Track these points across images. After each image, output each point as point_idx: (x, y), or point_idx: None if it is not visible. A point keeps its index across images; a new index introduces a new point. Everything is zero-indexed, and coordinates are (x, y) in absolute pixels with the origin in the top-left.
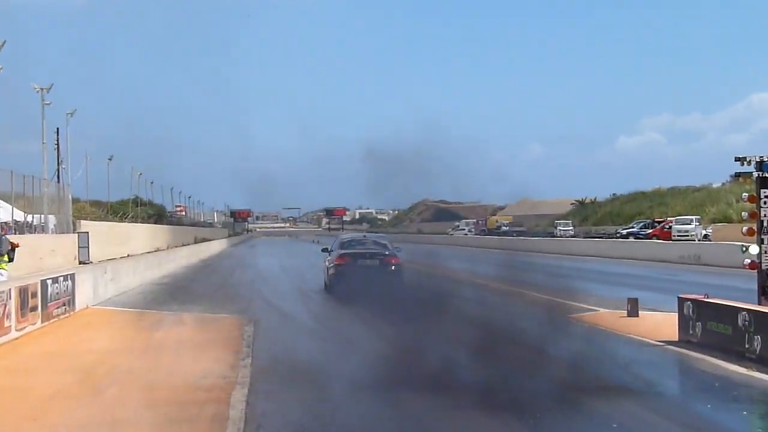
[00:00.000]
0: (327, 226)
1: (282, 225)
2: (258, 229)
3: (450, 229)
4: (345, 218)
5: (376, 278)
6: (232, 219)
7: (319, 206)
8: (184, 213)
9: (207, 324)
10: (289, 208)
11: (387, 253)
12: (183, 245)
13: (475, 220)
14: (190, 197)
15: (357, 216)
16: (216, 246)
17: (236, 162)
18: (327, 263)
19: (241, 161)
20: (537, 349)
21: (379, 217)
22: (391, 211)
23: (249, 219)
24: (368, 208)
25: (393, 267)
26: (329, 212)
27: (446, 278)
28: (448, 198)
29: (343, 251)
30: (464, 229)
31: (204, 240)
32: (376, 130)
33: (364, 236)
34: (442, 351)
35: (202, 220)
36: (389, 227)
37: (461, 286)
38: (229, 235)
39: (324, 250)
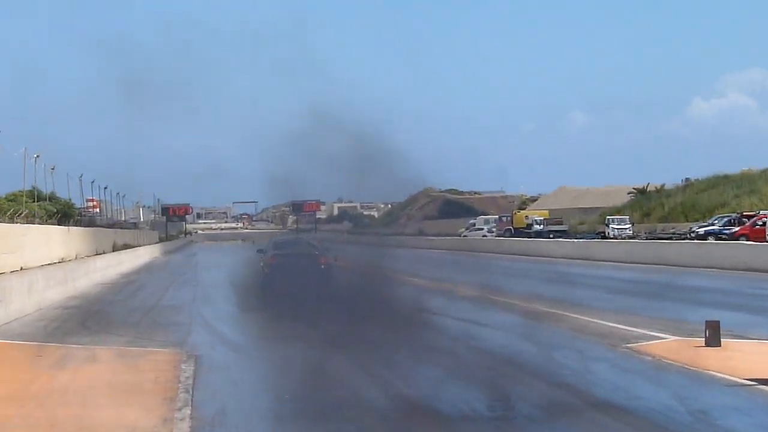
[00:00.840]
0: (294, 225)
1: (232, 225)
2: (200, 231)
3: (463, 229)
4: (319, 215)
5: (306, 276)
6: (165, 218)
7: (283, 199)
8: (98, 210)
9: (130, 361)
10: (242, 203)
11: (317, 253)
12: (98, 254)
13: (497, 217)
14: (106, 188)
15: (336, 212)
16: (143, 255)
17: (168, 140)
18: (262, 263)
19: (174, 138)
20: (578, 392)
21: (365, 212)
22: (382, 205)
23: (188, 217)
24: (351, 201)
25: (322, 266)
26: (297, 207)
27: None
28: (461, 186)
29: (275, 251)
30: (482, 228)
31: (126, 246)
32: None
33: (297, 238)
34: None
35: (123, 219)
36: (380, 226)
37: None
38: (161, 240)
39: (259, 251)
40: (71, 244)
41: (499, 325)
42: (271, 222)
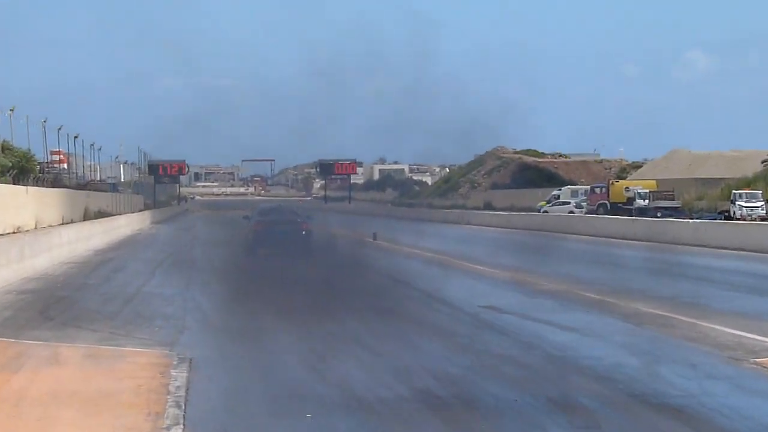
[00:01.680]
0: (322, 192)
1: (240, 190)
2: (198, 197)
3: (543, 203)
4: (355, 178)
5: (288, 240)
6: (152, 178)
7: (308, 157)
8: (65, 166)
9: (105, 364)
10: (254, 161)
11: (299, 220)
12: (65, 223)
13: (587, 188)
14: (77, 138)
15: (376, 175)
16: (124, 225)
17: (159, 78)
18: (247, 229)
19: (167, 76)
20: (692, 421)
21: (415, 177)
22: (437, 168)
23: (182, 178)
24: (397, 162)
25: (303, 232)
26: (326, 168)
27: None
28: (541, 145)
29: (260, 218)
30: (569, 203)
31: (102, 214)
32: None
33: (279, 205)
34: None
35: (98, 178)
36: (434, 195)
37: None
38: (147, 207)
39: (245, 217)
40: (29, 208)
41: (590, 330)
42: (292, 187)
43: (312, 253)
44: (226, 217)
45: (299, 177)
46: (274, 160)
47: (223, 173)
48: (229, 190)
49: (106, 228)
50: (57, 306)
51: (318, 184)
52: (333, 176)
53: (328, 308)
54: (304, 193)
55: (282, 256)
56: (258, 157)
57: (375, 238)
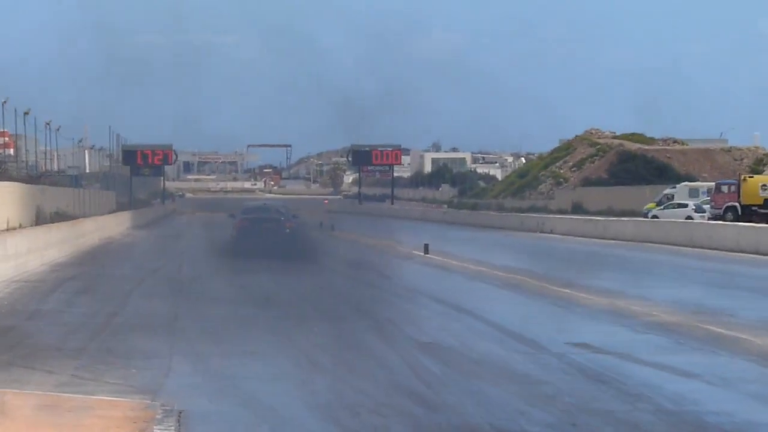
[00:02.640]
0: (355, 189)
1: (246, 186)
2: (189, 195)
3: (652, 205)
4: (401, 170)
5: (272, 238)
6: (128, 169)
7: (338, 143)
8: (11, 151)
9: (65, 417)
10: (264, 146)
11: (283, 218)
12: (9, 228)
13: (712, 185)
14: (27, 114)
15: (428, 166)
16: (90, 232)
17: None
18: (232, 227)
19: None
20: None
21: (480, 170)
22: (509, 158)
23: (168, 169)
24: (455, 149)
25: (287, 230)
26: (360, 157)
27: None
28: (649, 129)
29: (244, 216)
30: (686, 205)
31: (61, 217)
32: None
33: (264, 204)
34: None
35: (56, 169)
36: (504, 195)
37: None
38: (120, 207)
39: (231, 215)
40: None
41: (716, 377)
42: (314, 181)
43: (304, 258)
44: (224, 222)
45: (324, 168)
46: (290, 146)
47: (223, 163)
48: (230, 185)
49: (67, 235)
50: (0, 340)
51: (350, 178)
52: (369, 168)
53: (358, 340)
54: (330, 189)
55: (264, 259)
56: (269, 142)
57: (426, 251)
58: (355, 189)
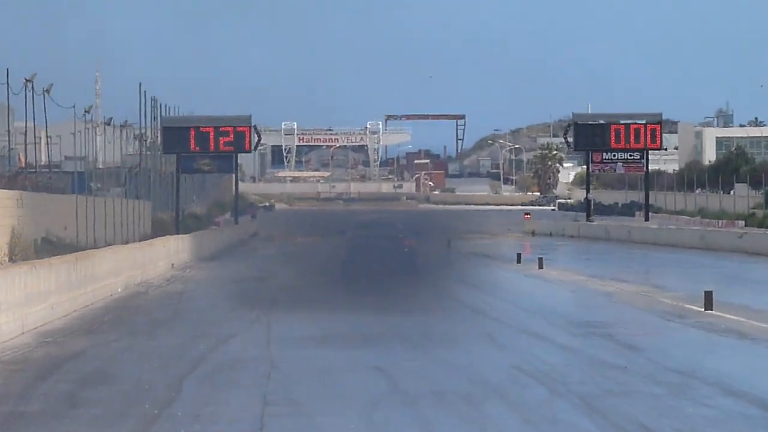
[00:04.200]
0: (578, 196)
1: (386, 186)
2: (281, 205)
3: None
4: (657, 156)
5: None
6: (176, 160)
7: (543, 114)
8: None
9: None
10: (413, 118)
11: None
12: None
13: None
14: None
15: (710, 149)
16: (108, 276)
17: None
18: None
19: None
20: None
21: None
22: None
23: (244, 156)
24: (759, 122)
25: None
26: (587, 134)
27: None
28: None
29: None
30: None
31: (53, 245)
32: None
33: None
34: None
35: (44, 161)
36: None
37: None
38: (159, 227)
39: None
40: None
41: None
42: (507, 179)
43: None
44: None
45: (523, 156)
46: (464, 117)
47: (341, 148)
48: (355, 187)
49: (67, 279)
50: None
51: (570, 174)
52: (605, 155)
53: None
54: (536, 193)
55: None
56: (421, 112)
57: (709, 304)
58: (577, 193)
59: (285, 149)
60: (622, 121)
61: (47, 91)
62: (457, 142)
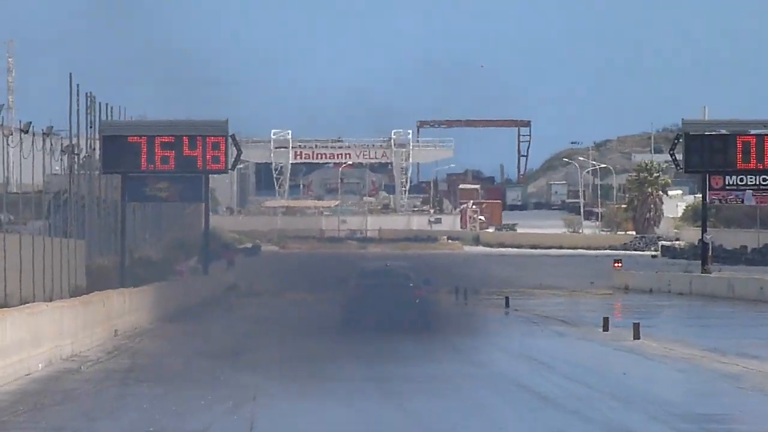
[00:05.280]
0: (691, 235)
1: (416, 220)
2: (270, 247)
3: None
4: None
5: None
6: (121, 183)
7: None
8: None
9: None
10: (455, 124)
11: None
12: None
13: None
14: None
15: None
16: (19, 347)
17: None
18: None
19: None
20: None
21: None
22: None
23: (219, 178)
24: None
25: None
26: (703, 147)
27: None
28: None
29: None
30: None
31: None
32: None
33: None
34: None
35: None
36: None
37: None
38: (94, 280)
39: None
40: None
41: None
42: (592, 212)
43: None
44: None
45: (616, 177)
46: (528, 124)
47: (350, 167)
48: (372, 221)
49: None
50: None
51: (679, 206)
52: (726, 173)
53: None
54: (631, 232)
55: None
56: (464, 117)
57: None
58: (689, 233)
59: (276, 168)
60: (753, 131)
61: None
62: (519, 160)
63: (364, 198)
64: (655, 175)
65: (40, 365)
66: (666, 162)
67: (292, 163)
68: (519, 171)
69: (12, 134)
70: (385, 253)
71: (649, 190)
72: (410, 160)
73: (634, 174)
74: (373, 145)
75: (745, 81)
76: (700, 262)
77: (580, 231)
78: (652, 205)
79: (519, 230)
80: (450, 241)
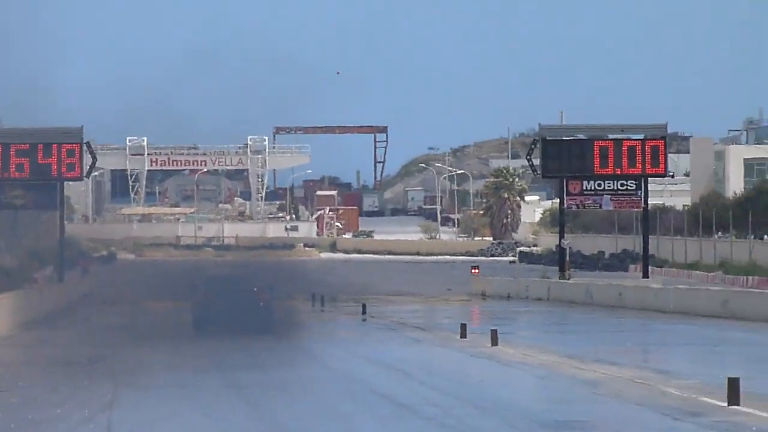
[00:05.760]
0: (548, 242)
1: (272, 228)
2: (126, 256)
3: None
4: (657, 186)
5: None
6: None
7: (500, 127)
8: None
9: None
10: (311, 130)
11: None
12: None
13: None
14: None
15: (735, 174)
16: None
17: None
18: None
19: None
20: None
21: None
22: None
23: (75, 185)
24: None
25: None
26: (559, 152)
27: None
28: None
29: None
30: None
31: None
32: None
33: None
34: None
35: None
36: None
37: None
38: None
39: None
40: None
41: None
42: (447, 217)
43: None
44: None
45: (470, 184)
46: (385, 130)
47: (206, 174)
48: (229, 228)
49: None
50: None
51: (536, 212)
52: (583, 178)
53: None
54: (488, 238)
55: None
56: (321, 124)
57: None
58: (546, 238)
59: (131, 175)
60: (610, 136)
61: None
62: (375, 166)
63: (220, 205)
64: (512, 180)
65: None
66: (523, 167)
67: (147, 170)
68: (376, 177)
69: None
70: (242, 260)
71: (506, 195)
72: (266, 166)
73: (492, 179)
74: (229, 152)
75: (603, 85)
76: (558, 267)
77: (438, 237)
78: (509, 211)
79: (376, 236)
80: (306, 248)
